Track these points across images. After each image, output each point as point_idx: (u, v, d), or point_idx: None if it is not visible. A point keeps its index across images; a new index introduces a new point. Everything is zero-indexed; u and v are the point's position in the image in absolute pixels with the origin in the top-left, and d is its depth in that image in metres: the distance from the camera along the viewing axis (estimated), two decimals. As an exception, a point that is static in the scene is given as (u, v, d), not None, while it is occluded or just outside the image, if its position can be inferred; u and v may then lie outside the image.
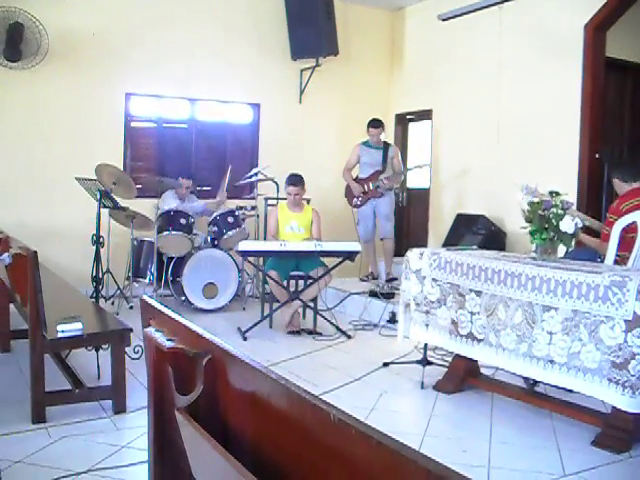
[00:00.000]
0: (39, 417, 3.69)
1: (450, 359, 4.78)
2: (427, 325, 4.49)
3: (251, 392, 1.45)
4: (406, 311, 4.69)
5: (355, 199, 7.51)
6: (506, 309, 3.84)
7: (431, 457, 1.00)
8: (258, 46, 8.23)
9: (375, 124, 7.40)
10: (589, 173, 6.59)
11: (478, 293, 4.06)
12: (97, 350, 4.13)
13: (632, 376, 3.22)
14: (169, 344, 1.73)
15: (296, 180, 6.33)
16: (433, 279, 4.41)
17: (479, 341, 4.08)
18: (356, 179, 7.51)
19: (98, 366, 4.30)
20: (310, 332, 6.13)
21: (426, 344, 4.78)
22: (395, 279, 7.43)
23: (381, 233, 7.56)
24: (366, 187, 7.40)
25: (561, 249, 4.27)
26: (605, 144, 6.80)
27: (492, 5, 7.06)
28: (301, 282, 6.37)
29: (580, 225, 3.97)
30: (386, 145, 7.48)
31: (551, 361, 3.58)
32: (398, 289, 7.02)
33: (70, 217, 7.15)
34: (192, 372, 1.67)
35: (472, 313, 4.10)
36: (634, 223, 4.59)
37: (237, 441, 1.52)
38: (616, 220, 4.70)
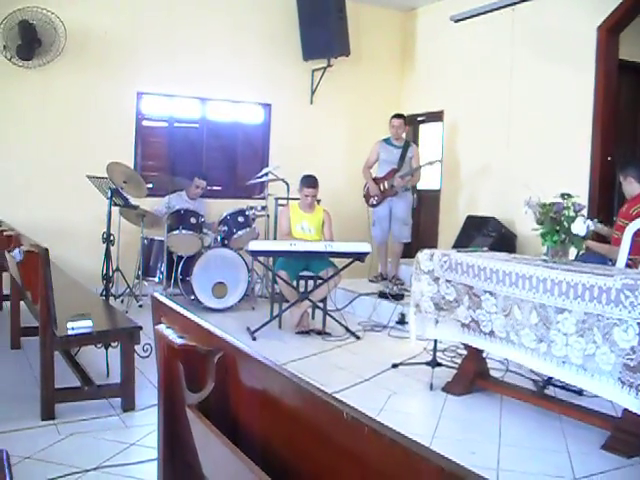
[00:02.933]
0: (48, 414, 3.70)
1: (459, 361, 4.77)
2: (444, 323, 4.44)
3: (262, 390, 1.45)
4: (416, 312, 4.66)
5: (372, 199, 7.52)
6: (521, 310, 3.82)
7: (444, 455, 0.99)
8: (270, 46, 8.24)
9: (397, 115, 7.50)
10: (601, 176, 6.57)
11: (492, 294, 4.03)
12: (106, 348, 4.14)
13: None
14: (180, 341, 1.72)
15: (313, 182, 6.34)
16: (447, 280, 4.39)
17: (501, 339, 4.02)
18: (375, 179, 7.51)
19: (107, 364, 4.32)
20: (319, 332, 6.12)
21: (435, 346, 4.78)
22: (399, 279, 7.44)
23: (396, 237, 7.56)
24: (382, 186, 7.40)
25: (571, 252, 4.25)
26: (618, 147, 6.76)
27: (505, 7, 7.04)
28: (310, 282, 6.36)
29: (592, 227, 3.95)
30: (406, 144, 7.49)
31: (568, 362, 3.54)
32: (408, 290, 7.03)
33: (81, 215, 7.18)
34: (203, 369, 1.67)
35: (490, 313, 4.06)
36: (646, 227, 4.57)
37: (248, 438, 1.52)
38: (627, 224, 4.68)
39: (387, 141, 7.50)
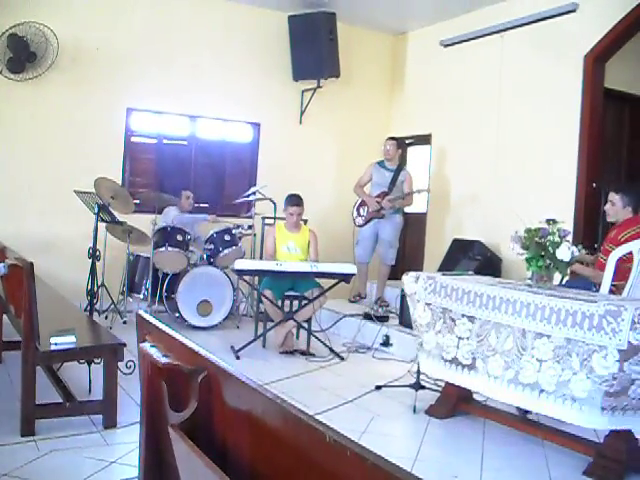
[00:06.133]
0: (28, 430, 3.66)
1: (443, 384, 4.76)
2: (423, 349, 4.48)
3: (246, 410, 1.45)
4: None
5: (359, 218, 7.54)
6: (498, 335, 3.83)
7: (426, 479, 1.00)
8: (260, 66, 8.29)
9: (390, 138, 7.58)
10: (586, 202, 6.62)
11: (471, 318, 4.05)
12: (89, 364, 4.11)
13: (632, 399, 3.23)
14: (164, 360, 1.72)
15: (298, 200, 6.35)
16: (426, 303, 4.41)
17: (463, 367, 4.07)
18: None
19: (90, 380, 4.28)
20: (303, 353, 6.11)
21: (419, 368, 4.77)
22: (384, 301, 7.45)
23: (381, 259, 7.58)
24: (369, 207, 7.42)
25: (556, 277, 4.28)
26: (602, 174, 6.83)
27: (494, 33, 7.13)
28: (296, 302, 6.36)
29: (577, 254, 3.98)
30: (399, 168, 7.52)
31: (539, 389, 3.56)
32: (392, 312, 7.04)
33: (67, 230, 7.14)
34: (187, 389, 1.66)
35: (460, 338, 4.09)
36: (630, 253, 4.61)
37: (231, 459, 1.52)
38: (614, 249, 4.70)
39: (381, 164, 7.54)
